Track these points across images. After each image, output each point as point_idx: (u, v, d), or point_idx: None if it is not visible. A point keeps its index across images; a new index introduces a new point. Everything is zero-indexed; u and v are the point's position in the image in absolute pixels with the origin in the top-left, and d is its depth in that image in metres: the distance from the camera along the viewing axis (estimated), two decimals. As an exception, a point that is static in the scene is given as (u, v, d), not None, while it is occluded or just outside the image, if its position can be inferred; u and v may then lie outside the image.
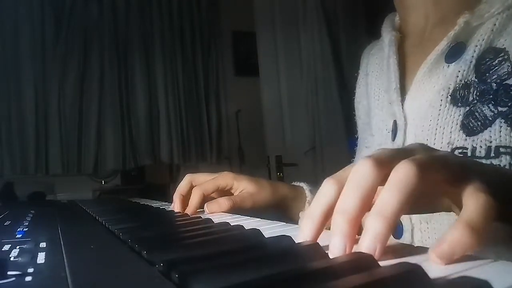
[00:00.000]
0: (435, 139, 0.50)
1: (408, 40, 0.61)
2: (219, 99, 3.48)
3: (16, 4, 2.81)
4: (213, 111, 3.43)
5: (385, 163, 0.26)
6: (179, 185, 0.65)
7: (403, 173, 0.24)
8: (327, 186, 0.28)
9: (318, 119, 2.85)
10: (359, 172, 0.26)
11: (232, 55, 3.57)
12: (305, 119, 2.89)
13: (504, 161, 0.44)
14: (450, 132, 0.48)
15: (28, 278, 0.24)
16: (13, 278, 0.24)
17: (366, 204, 0.25)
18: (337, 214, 0.25)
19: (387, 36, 0.61)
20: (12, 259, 0.29)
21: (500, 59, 0.47)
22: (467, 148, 0.46)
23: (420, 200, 0.26)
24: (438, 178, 0.26)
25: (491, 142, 0.45)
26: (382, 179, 0.25)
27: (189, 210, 0.60)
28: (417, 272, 0.19)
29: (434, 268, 0.22)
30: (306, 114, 2.89)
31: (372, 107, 0.65)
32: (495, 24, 0.48)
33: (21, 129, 2.82)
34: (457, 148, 0.47)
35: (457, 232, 0.22)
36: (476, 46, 0.49)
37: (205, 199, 0.62)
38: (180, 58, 3.28)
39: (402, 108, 0.55)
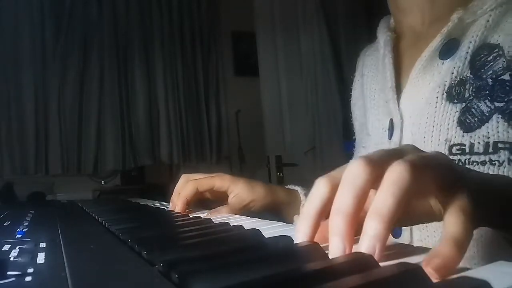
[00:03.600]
0: (432, 136, 0.50)
1: (404, 40, 0.61)
2: (219, 99, 3.47)
3: (16, 5, 2.81)
4: (213, 111, 3.42)
5: (377, 163, 0.26)
6: (181, 188, 0.62)
7: (397, 173, 0.24)
8: (319, 186, 0.28)
9: (318, 119, 2.85)
10: (352, 171, 0.26)
11: (232, 55, 3.56)
12: (305, 119, 2.88)
13: (502, 156, 0.44)
14: (447, 129, 0.48)
15: (28, 278, 0.24)
16: (13, 278, 0.24)
17: (361, 203, 0.26)
18: (334, 215, 0.26)
19: (383, 37, 0.62)
20: (12, 259, 0.29)
21: (494, 54, 0.47)
22: (465, 145, 0.46)
23: (414, 204, 0.27)
24: (430, 179, 0.26)
25: (488, 138, 0.45)
26: (375, 179, 0.26)
27: (179, 201, 0.60)
28: (417, 272, 0.19)
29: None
30: (306, 114, 2.89)
31: (368, 107, 0.66)
32: (488, 21, 0.48)
33: (21, 129, 2.81)
34: (454, 144, 0.47)
35: (448, 248, 0.22)
36: (470, 42, 0.49)
37: (198, 195, 0.61)
38: (180, 58, 3.27)
39: (398, 106, 0.55)
